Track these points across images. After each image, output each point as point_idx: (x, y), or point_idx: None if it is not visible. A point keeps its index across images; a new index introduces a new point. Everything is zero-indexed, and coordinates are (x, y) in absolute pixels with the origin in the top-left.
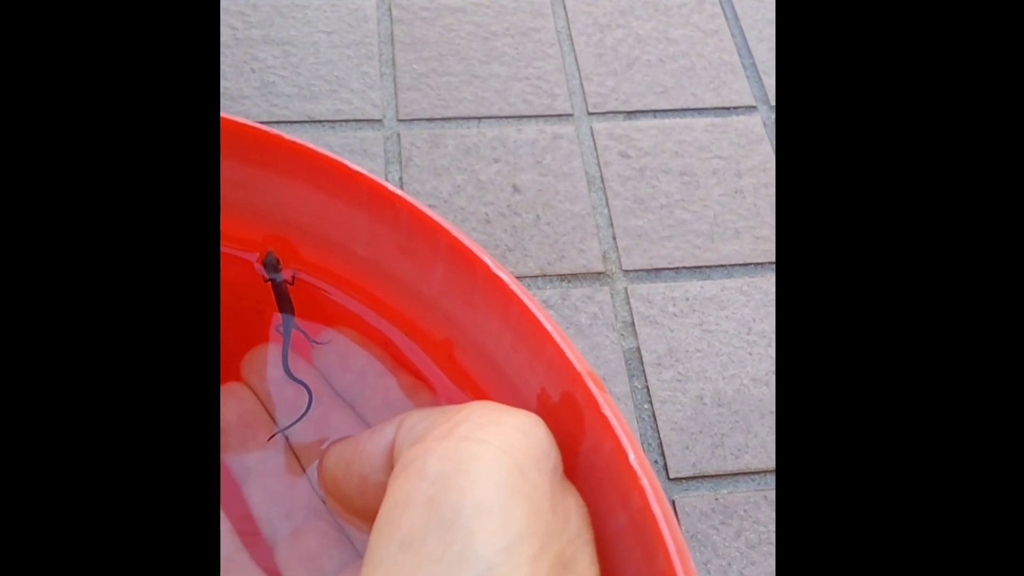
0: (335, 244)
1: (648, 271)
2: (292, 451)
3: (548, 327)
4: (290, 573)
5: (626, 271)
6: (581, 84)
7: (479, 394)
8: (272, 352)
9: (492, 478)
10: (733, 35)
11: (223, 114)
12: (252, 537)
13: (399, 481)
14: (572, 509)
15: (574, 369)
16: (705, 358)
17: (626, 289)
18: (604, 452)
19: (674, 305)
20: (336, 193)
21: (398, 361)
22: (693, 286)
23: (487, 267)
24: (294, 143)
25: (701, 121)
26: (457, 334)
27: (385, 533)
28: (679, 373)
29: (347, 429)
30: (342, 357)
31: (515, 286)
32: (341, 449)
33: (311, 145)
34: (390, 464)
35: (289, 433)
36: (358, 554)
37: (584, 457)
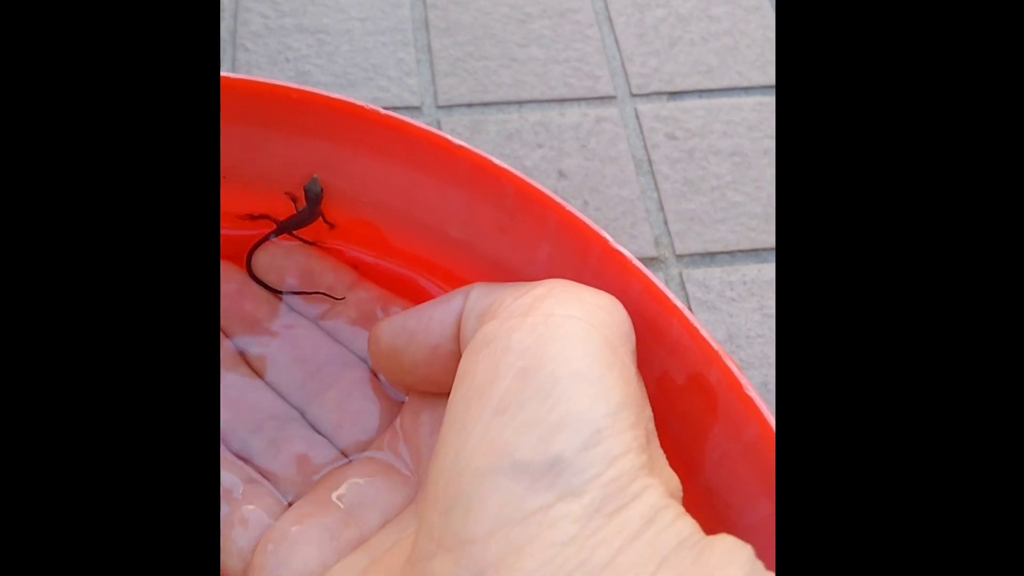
0: (426, 227)
1: (703, 255)
2: (247, 363)
3: (678, 304)
4: (282, 475)
5: (679, 256)
6: (623, 65)
7: None
8: (227, 269)
9: (586, 350)
10: (774, 11)
11: (310, 89)
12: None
13: (480, 357)
14: (644, 391)
15: (710, 348)
16: (767, 343)
17: (681, 274)
18: (745, 437)
19: (731, 289)
20: (433, 171)
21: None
22: (750, 269)
23: (605, 242)
24: (391, 117)
25: (749, 100)
26: None
27: (474, 403)
28: (741, 359)
29: (317, 345)
30: (305, 274)
31: (636, 262)
32: (403, 320)
33: (408, 119)
34: (459, 333)
35: (246, 349)
36: (342, 455)
37: (715, 443)
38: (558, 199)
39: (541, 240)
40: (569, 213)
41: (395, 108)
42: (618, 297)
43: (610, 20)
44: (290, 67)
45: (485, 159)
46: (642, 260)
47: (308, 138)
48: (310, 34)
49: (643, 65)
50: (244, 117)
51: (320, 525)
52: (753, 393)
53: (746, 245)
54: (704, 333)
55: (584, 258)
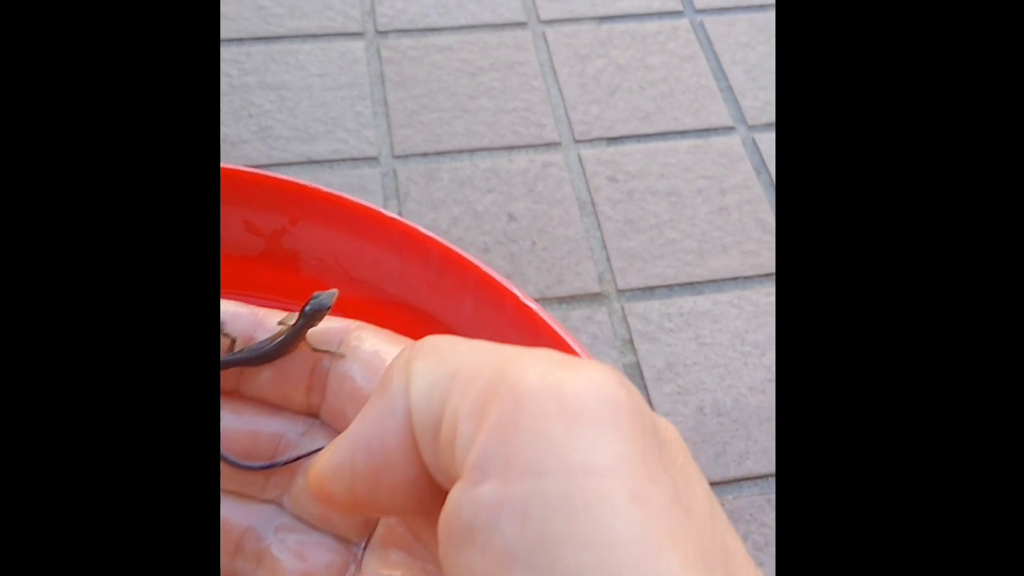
0: (366, 284)
1: (643, 289)
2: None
3: (576, 348)
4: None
5: (621, 291)
6: (567, 113)
7: None
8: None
9: (609, 543)
10: (708, 59)
11: (265, 172)
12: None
13: (468, 559)
14: (691, 475)
15: None
16: (703, 370)
17: (623, 308)
18: None
19: (669, 321)
20: (369, 237)
21: None
22: (686, 302)
23: (516, 297)
24: (330, 194)
25: (683, 143)
26: None
27: None
28: (679, 386)
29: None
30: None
31: (543, 314)
32: (350, 458)
33: (346, 195)
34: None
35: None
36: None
37: None
38: (475, 260)
39: (465, 295)
40: (486, 273)
41: (353, 159)
42: (527, 343)
43: (554, 71)
44: (253, 122)
45: (413, 228)
46: (586, 296)
47: (261, 211)
48: (271, 90)
49: (585, 113)
50: None
51: None
52: None
53: (683, 279)
54: None
55: (501, 311)
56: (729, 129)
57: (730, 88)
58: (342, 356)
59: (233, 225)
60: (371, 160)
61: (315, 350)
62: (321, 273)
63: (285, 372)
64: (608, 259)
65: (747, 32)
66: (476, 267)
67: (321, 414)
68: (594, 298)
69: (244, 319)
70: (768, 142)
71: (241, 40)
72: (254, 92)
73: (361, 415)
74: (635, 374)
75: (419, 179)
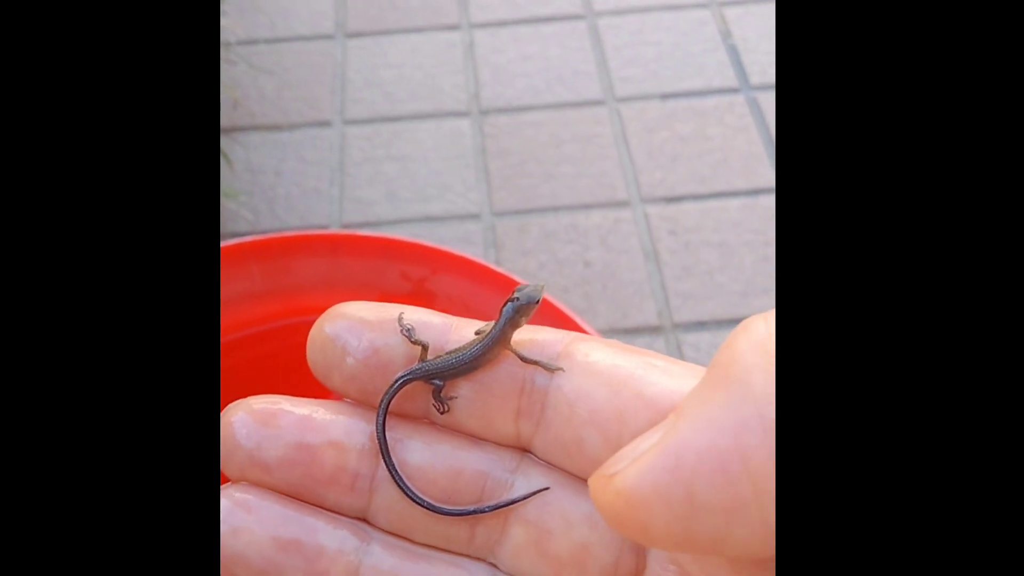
0: (479, 313)
1: (695, 323)
2: None
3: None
4: None
5: (676, 324)
6: (635, 177)
7: None
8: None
9: None
10: (759, 130)
11: (417, 241)
12: None
13: None
14: None
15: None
16: None
17: (678, 338)
18: None
19: (716, 350)
20: (482, 283)
21: None
22: None
23: (570, 318)
24: (458, 255)
25: (734, 202)
26: None
27: None
28: None
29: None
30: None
31: (589, 328)
32: (681, 486)
33: (467, 255)
34: None
35: None
36: None
37: None
38: (558, 304)
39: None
40: (561, 311)
41: (460, 217)
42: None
43: (626, 142)
44: (381, 187)
45: (508, 276)
46: (647, 328)
47: (412, 265)
48: (396, 161)
49: (651, 176)
50: (381, 256)
51: None
52: None
53: (729, 316)
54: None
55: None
56: (774, 190)
57: None
58: (560, 369)
59: (392, 274)
60: (474, 217)
61: (524, 360)
62: (449, 306)
63: (488, 390)
64: (667, 299)
65: None
66: (556, 308)
67: (535, 446)
68: (654, 330)
69: (435, 327)
70: None
71: (373, 120)
72: (383, 163)
73: (691, 418)
74: None
75: (513, 232)
